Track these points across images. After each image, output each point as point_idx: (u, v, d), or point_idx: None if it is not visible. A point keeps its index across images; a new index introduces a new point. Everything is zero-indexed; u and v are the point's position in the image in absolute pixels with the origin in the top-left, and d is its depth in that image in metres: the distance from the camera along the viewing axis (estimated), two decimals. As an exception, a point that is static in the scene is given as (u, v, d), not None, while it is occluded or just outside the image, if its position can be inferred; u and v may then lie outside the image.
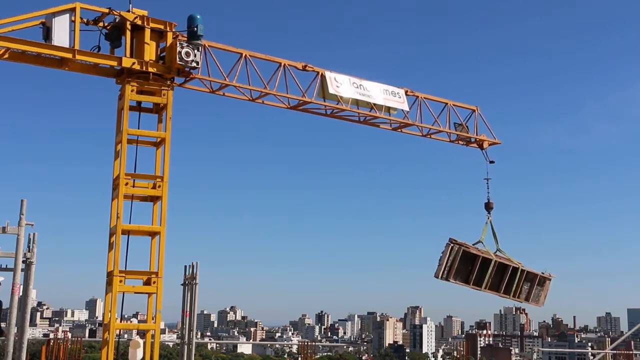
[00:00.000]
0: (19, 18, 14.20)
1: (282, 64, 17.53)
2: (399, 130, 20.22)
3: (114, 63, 15.36)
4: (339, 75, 18.38)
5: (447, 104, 20.56)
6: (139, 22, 15.50)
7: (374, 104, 19.03)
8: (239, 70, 16.92)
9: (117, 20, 15.33)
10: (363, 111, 19.13)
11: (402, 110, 19.58)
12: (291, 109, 18.34)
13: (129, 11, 15.43)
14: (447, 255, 19.05)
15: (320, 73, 18.16)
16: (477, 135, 21.16)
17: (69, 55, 14.64)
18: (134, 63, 15.37)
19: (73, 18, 14.73)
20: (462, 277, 19.64)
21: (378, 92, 18.99)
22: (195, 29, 15.87)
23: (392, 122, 19.91)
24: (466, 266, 19.68)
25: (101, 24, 15.36)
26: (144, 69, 15.49)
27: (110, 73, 15.75)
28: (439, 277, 19.24)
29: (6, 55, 14.19)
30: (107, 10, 15.24)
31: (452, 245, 19.22)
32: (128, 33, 15.45)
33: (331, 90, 18.09)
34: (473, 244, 20.41)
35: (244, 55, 17.00)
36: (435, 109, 20.38)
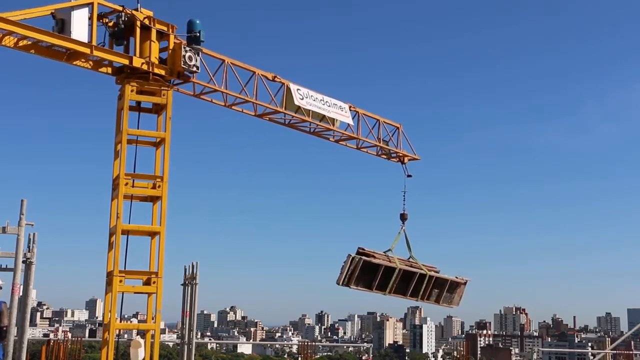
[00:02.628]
0: (36, 10, 13.95)
1: (256, 73, 17.87)
2: (341, 142, 21.17)
3: (126, 62, 15.30)
4: (302, 87, 18.95)
5: (378, 120, 21.62)
6: (146, 22, 15.49)
7: (328, 117, 19.77)
8: (224, 76, 17.14)
9: (124, 18, 15.24)
10: (320, 123, 19.79)
11: (348, 123, 20.46)
12: (257, 117, 18.72)
13: (137, 10, 15.41)
14: (347, 266, 19.66)
15: (286, 85, 18.57)
16: (400, 150, 22.37)
17: (87, 51, 14.50)
18: (143, 63, 15.38)
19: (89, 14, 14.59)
20: (364, 283, 20.22)
21: (330, 106, 19.75)
22: (198, 34, 16.04)
23: (335, 133, 20.72)
24: (369, 273, 20.27)
25: (104, 20, 15.28)
26: (150, 70, 15.50)
27: (111, 71, 15.71)
28: (340, 284, 19.85)
29: (20, 44, 13.93)
30: (121, 8, 15.21)
31: (352, 257, 19.75)
32: (138, 32, 15.42)
33: (296, 102, 18.70)
34: (384, 252, 21.11)
35: (226, 62, 17.10)
36: (370, 124, 21.71)
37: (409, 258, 21.65)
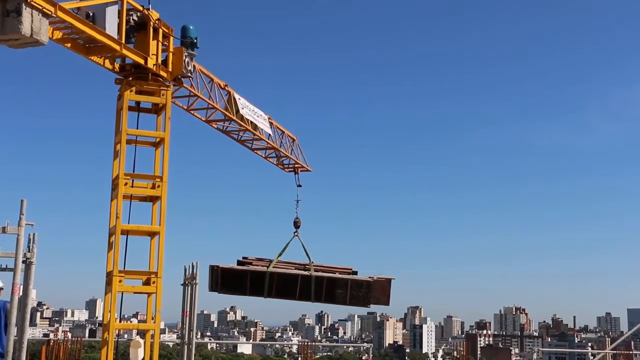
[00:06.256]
0: (70, 4, 13.76)
1: (213, 80, 18.02)
2: (256, 151, 21.51)
3: (141, 61, 15.27)
4: (241, 97, 19.25)
5: (284, 132, 22.07)
6: (157, 24, 15.51)
7: (258, 127, 20.08)
8: (199, 83, 17.26)
9: (135, 17, 15.22)
10: (255, 132, 20.09)
11: (269, 133, 20.86)
12: (206, 122, 18.89)
13: (148, 9, 15.42)
14: (209, 275, 19.90)
15: (231, 93, 18.79)
16: (298, 160, 22.95)
17: (117, 47, 14.37)
18: (154, 64, 15.39)
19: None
20: (238, 288, 20.43)
21: (259, 116, 20.10)
22: (195, 40, 16.17)
23: (256, 143, 20.98)
24: (241, 279, 20.49)
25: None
26: (157, 71, 15.52)
27: (118, 69, 15.67)
28: (210, 290, 20.12)
29: (55, 36, 13.52)
30: (141, 7, 15.18)
31: (210, 266, 19.97)
32: (151, 32, 15.41)
33: (241, 111, 18.98)
34: (277, 257, 21.28)
35: (196, 67, 17.24)
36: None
37: (309, 263, 21.46)
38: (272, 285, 20.83)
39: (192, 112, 18.26)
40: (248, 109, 19.48)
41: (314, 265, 21.50)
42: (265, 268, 20.66)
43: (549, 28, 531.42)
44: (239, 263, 20.76)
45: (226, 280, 20.02)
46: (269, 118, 20.89)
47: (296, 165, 23.14)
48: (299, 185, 23.05)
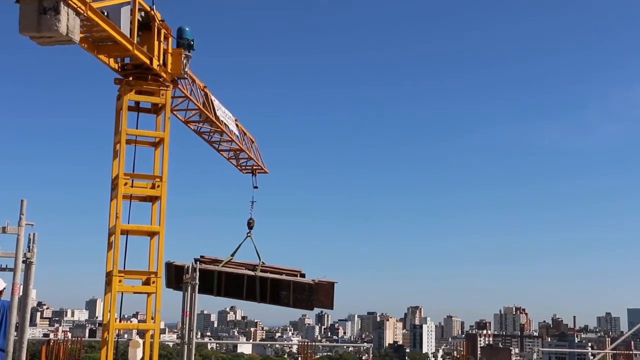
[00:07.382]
0: (96, 5, 13.64)
1: (195, 82, 18.01)
2: (221, 151, 21.46)
3: (147, 62, 15.26)
4: (215, 99, 19.28)
5: (245, 134, 22.01)
6: (160, 24, 15.51)
7: (228, 128, 20.10)
8: (186, 85, 17.33)
9: (139, 17, 15.19)
10: (229, 133, 20.19)
11: (237, 134, 20.94)
12: (184, 122, 18.95)
13: (152, 10, 15.41)
14: (166, 272, 20.01)
15: (209, 95, 18.78)
16: (258, 161, 23.01)
17: (130, 47, 14.34)
18: (157, 65, 15.40)
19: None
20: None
21: (229, 118, 20.10)
22: (192, 42, 16.20)
23: (222, 143, 20.94)
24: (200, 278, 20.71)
25: None
26: (159, 72, 15.53)
27: (119, 68, 15.66)
28: (167, 287, 20.23)
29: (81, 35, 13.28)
30: (148, 8, 15.18)
31: (168, 264, 20.20)
32: (155, 33, 15.41)
33: (217, 113, 19.00)
34: (230, 257, 21.47)
35: None
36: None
37: (259, 264, 21.50)
38: (220, 285, 20.88)
39: (174, 112, 18.26)
40: (221, 111, 19.54)
41: (262, 266, 21.40)
42: (207, 267, 20.64)
43: (549, 28, 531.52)
44: (196, 262, 20.83)
45: (180, 277, 19.96)
46: (235, 120, 20.90)
47: (255, 167, 23.16)
48: (256, 187, 22.98)
